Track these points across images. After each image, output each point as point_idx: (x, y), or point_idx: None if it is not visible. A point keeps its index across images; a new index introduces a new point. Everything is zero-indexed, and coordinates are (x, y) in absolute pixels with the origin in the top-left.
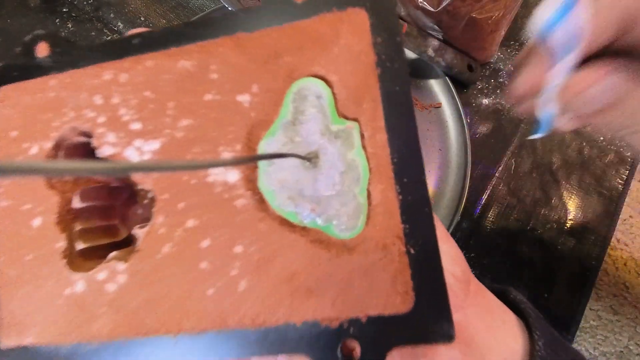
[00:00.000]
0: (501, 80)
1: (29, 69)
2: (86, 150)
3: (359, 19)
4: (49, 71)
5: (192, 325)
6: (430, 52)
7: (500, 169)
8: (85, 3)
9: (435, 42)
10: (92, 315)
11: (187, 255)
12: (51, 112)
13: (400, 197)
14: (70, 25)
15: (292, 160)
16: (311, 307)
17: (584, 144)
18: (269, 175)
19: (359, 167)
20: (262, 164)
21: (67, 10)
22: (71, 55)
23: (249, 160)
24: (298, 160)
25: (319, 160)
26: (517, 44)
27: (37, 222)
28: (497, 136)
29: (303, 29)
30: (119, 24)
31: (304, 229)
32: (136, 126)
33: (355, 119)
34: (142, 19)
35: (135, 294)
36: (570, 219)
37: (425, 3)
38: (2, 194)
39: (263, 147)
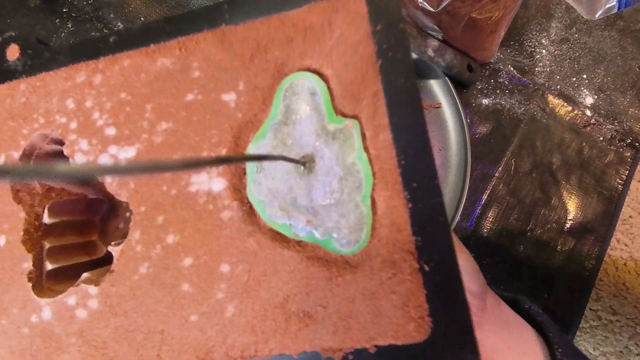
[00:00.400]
0: (501, 80)
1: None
2: (58, 159)
3: (355, 6)
4: (19, 75)
5: (172, 358)
6: (430, 52)
7: (500, 169)
8: (85, 3)
9: (435, 43)
10: (59, 346)
11: (167, 276)
12: (20, 118)
13: (410, 205)
14: (70, 25)
15: (284, 166)
16: (309, 336)
17: (584, 144)
18: (258, 184)
19: (361, 171)
20: (251, 171)
21: (67, 10)
22: (43, 58)
23: (232, 161)
24: (291, 165)
25: (314, 165)
26: (517, 44)
27: (1, 241)
28: (497, 136)
29: (292, 19)
30: (119, 24)
31: (299, 244)
32: (111, 132)
33: (354, 117)
34: (142, 19)
35: (107, 322)
36: (570, 219)
37: (425, 3)
38: None
39: (252, 151)
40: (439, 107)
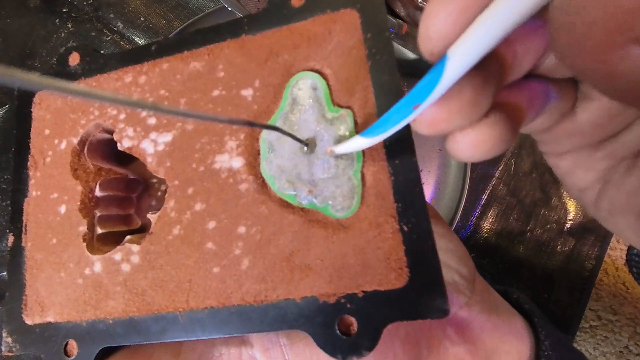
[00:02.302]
0: None
1: (62, 76)
2: (108, 144)
3: (351, 18)
4: (79, 77)
5: (197, 302)
6: None
7: (500, 169)
8: (85, 3)
9: None
10: (107, 294)
11: (195, 236)
12: (79, 111)
13: (393, 178)
14: (70, 26)
15: (291, 147)
16: (310, 284)
17: None
18: (270, 162)
19: (353, 151)
20: (263, 152)
21: (66, 10)
22: (98, 63)
23: (260, 126)
24: (296, 146)
25: (315, 146)
26: None
27: (62, 209)
28: None
29: (299, 29)
30: (119, 24)
31: (302, 210)
32: (152, 121)
33: (348, 107)
34: (142, 19)
35: (146, 273)
36: (569, 219)
37: (425, 4)
38: (33, 185)
39: (264, 136)
40: None
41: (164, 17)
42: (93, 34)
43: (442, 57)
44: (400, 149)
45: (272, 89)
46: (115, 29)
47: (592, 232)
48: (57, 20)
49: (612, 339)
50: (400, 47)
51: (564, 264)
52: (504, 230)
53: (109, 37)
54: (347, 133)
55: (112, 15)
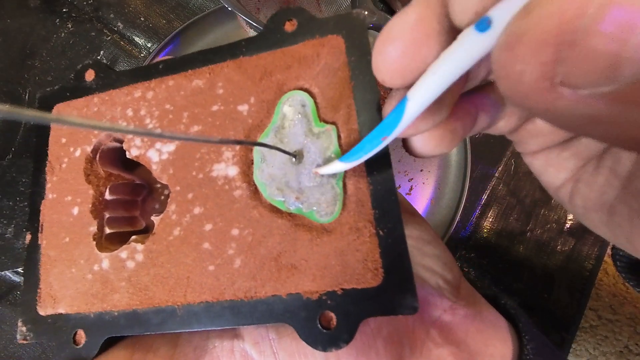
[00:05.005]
0: None
1: (79, 90)
2: (117, 152)
3: (337, 43)
4: (93, 91)
5: (194, 297)
6: None
7: (500, 169)
8: (85, 3)
9: None
10: (113, 288)
11: (193, 237)
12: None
13: (371, 187)
14: (70, 26)
15: (281, 158)
16: (295, 282)
17: None
18: (262, 171)
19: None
20: (256, 161)
21: (66, 10)
22: (110, 79)
23: (248, 144)
24: (286, 157)
25: (302, 157)
26: None
27: (75, 210)
28: (497, 136)
29: (291, 52)
30: (119, 24)
31: (290, 215)
32: (157, 132)
33: (333, 123)
34: (142, 19)
35: (149, 270)
36: (569, 219)
37: None
38: (50, 188)
39: (258, 147)
40: None
41: (164, 17)
42: (93, 34)
43: (402, 99)
44: (379, 162)
45: (266, 105)
46: (115, 29)
47: (592, 232)
48: (57, 20)
49: (612, 338)
50: None
51: (564, 263)
52: (504, 230)
53: (109, 37)
54: (332, 146)
55: (112, 15)
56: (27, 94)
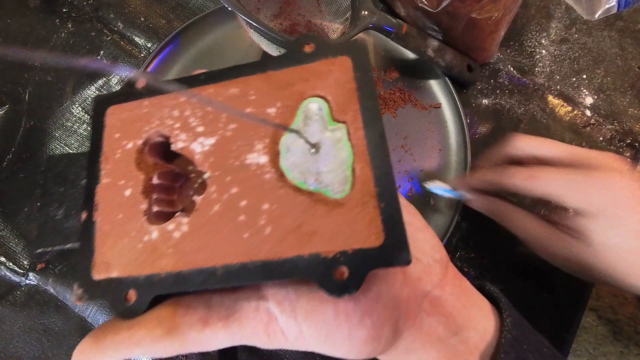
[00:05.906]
0: (501, 80)
1: (130, 95)
2: (162, 145)
3: (345, 62)
4: (143, 97)
5: (231, 258)
6: (430, 52)
7: None
8: (85, 3)
9: (435, 43)
10: (161, 254)
11: (231, 211)
12: (143, 121)
13: (374, 171)
14: (70, 26)
15: (302, 149)
16: (314, 244)
17: (584, 144)
18: (286, 159)
19: (347, 152)
20: (282, 151)
21: (66, 10)
22: (158, 86)
23: (283, 128)
24: (306, 148)
25: (319, 148)
26: (517, 44)
27: (127, 192)
28: (497, 136)
29: (309, 68)
30: (119, 24)
31: (310, 193)
32: (200, 129)
33: (343, 122)
34: (142, 19)
35: (192, 239)
36: None
37: (424, 4)
38: (104, 174)
39: (283, 141)
40: (439, 107)
41: (164, 17)
42: (93, 34)
43: (461, 194)
44: (379, 152)
45: (289, 108)
46: (115, 29)
47: None
48: (57, 20)
49: (612, 338)
50: (400, 47)
51: None
52: (504, 230)
53: (109, 37)
54: (343, 140)
55: (112, 15)
56: (27, 94)
